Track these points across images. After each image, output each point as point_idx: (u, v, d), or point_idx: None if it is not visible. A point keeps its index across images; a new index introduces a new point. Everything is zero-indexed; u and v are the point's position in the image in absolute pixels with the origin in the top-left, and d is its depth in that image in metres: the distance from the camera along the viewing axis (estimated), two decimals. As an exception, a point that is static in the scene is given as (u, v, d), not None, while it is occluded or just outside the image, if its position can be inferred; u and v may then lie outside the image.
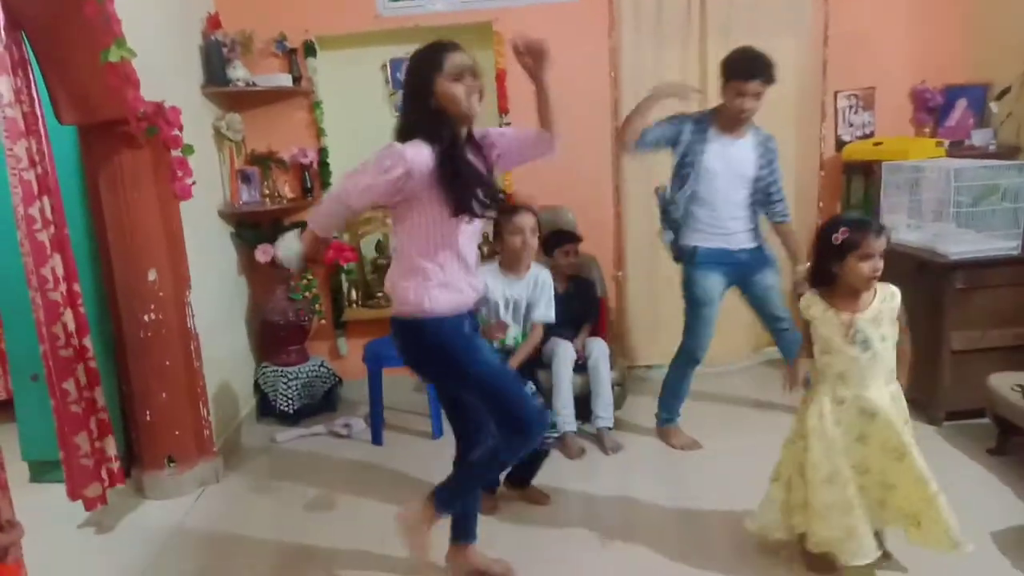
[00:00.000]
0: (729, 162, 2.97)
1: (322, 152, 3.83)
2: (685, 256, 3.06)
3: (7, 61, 2.41)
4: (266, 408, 3.82)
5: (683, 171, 3.00)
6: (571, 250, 3.47)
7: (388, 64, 3.93)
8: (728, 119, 2.94)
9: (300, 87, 3.72)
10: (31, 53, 2.50)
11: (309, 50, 3.73)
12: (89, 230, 2.96)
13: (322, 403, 3.87)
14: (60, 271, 2.56)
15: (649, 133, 2.95)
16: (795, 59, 3.89)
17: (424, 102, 1.88)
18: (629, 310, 4.11)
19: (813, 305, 2.13)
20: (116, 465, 2.82)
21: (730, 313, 3.72)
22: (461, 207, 1.88)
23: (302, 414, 3.76)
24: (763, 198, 3.07)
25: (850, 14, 3.83)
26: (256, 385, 3.87)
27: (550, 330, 2.99)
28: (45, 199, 2.52)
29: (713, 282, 3.04)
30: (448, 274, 1.96)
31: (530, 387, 2.60)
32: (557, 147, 2.00)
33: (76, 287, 2.65)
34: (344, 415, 3.76)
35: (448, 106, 1.87)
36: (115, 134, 2.69)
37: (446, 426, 2.17)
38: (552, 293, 2.86)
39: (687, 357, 3.17)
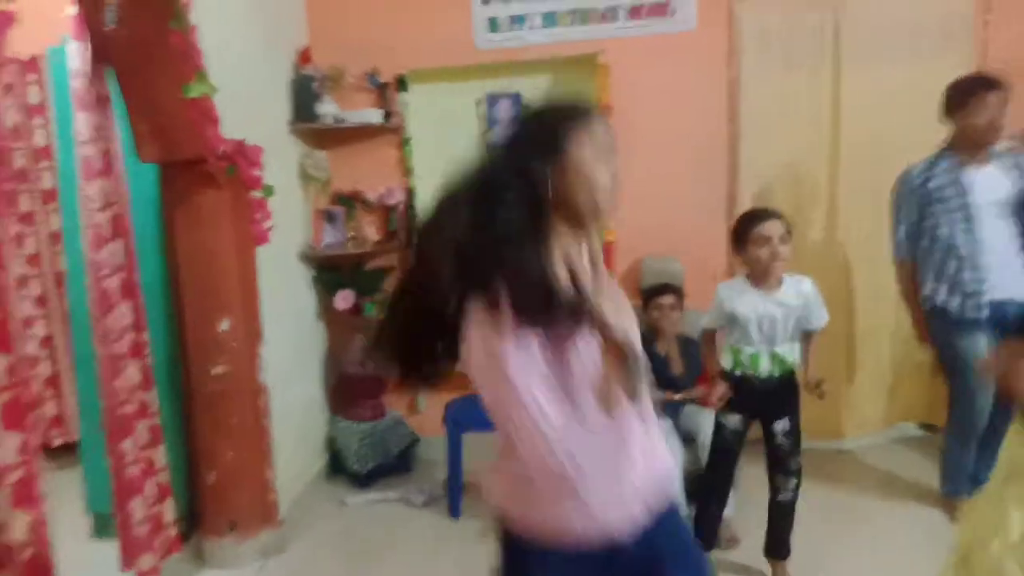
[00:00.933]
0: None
1: (410, 193, 3.58)
2: None
3: (90, 97, 2.26)
4: (338, 466, 3.54)
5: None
6: (667, 304, 3.06)
7: (484, 99, 3.66)
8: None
9: (390, 123, 3.50)
10: (115, 88, 2.34)
11: (402, 85, 3.51)
12: (164, 274, 2.77)
13: (397, 463, 3.55)
14: (127, 319, 2.37)
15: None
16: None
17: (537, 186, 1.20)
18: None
19: None
20: (173, 532, 2.58)
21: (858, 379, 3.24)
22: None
23: (375, 475, 3.45)
24: None
25: (1012, 38, 3.30)
26: (328, 440, 3.60)
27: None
28: (119, 241, 2.35)
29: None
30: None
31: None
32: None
33: (144, 336, 2.45)
34: (420, 479, 3.44)
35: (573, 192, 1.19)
36: (195, 172, 2.50)
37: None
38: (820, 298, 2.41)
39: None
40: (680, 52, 3.45)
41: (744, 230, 2.31)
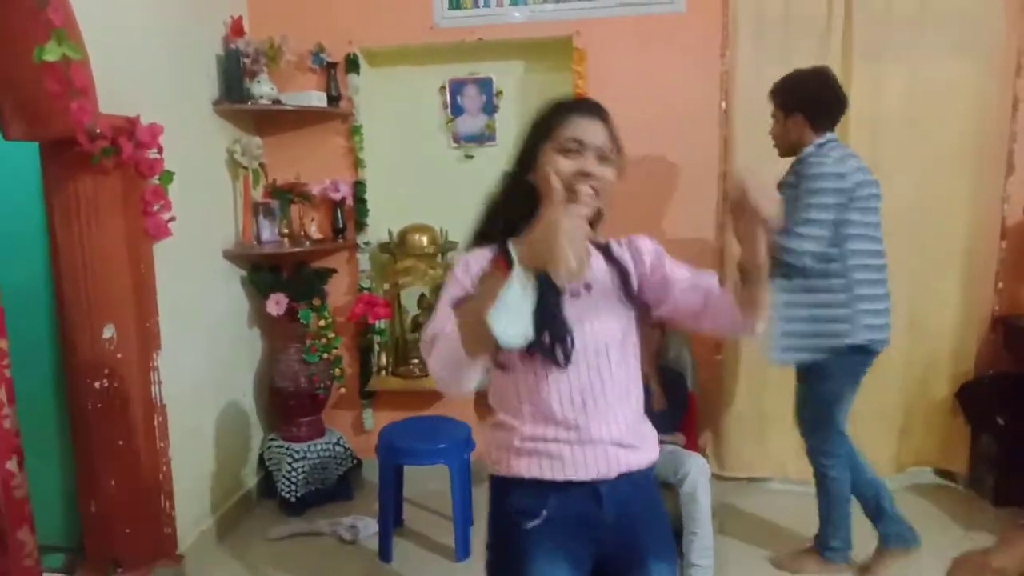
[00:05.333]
0: None
1: (358, 186, 3.19)
2: None
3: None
4: (270, 488, 3.16)
5: None
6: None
7: (447, 85, 3.27)
8: None
9: (338, 108, 3.11)
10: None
11: (352, 65, 3.12)
12: (48, 272, 2.41)
13: (335, 489, 3.17)
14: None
15: None
16: (974, 92, 2.92)
17: (519, 173, 1.31)
18: (730, 405, 3.19)
19: None
20: (36, 569, 2.21)
21: (864, 418, 2.82)
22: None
23: (308, 502, 3.07)
24: None
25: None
26: (260, 460, 3.23)
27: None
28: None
29: None
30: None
31: None
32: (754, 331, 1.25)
33: (2, 344, 2.08)
34: (361, 509, 3.05)
35: (542, 187, 1.25)
36: (74, 154, 2.12)
37: (475, 545, 1.44)
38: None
39: None
40: (667, 38, 3.02)
41: None
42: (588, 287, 1.29)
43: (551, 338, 1.19)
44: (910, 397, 3.10)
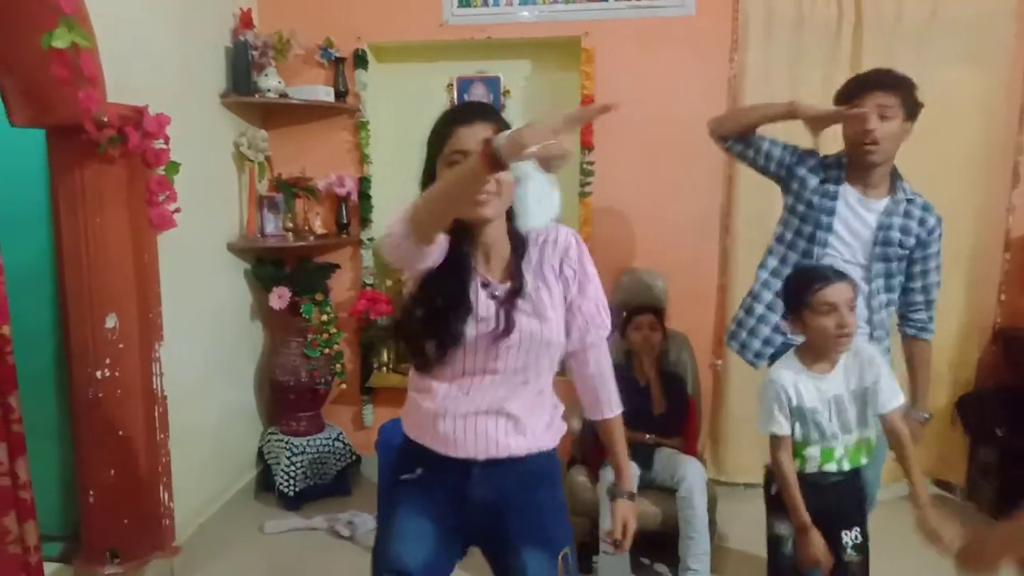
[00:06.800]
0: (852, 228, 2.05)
1: (363, 182, 3.19)
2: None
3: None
4: (268, 482, 3.16)
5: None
6: (646, 323, 2.66)
7: (455, 83, 3.27)
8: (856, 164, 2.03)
9: (345, 103, 3.11)
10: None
11: (360, 60, 3.11)
12: (52, 258, 2.40)
13: (333, 485, 3.17)
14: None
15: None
16: (981, 102, 2.92)
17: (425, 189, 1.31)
18: (729, 410, 3.19)
19: None
20: (35, 558, 2.20)
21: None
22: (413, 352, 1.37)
23: (305, 497, 3.06)
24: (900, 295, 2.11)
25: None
26: (260, 453, 3.23)
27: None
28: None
29: None
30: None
31: None
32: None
33: (4, 330, 2.08)
34: (358, 505, 3.04)
35: None
36: (80, 142, 2.12)
37: (473, 549, 1.47)
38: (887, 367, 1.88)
39: None
40: (676, 40, 3.02)
41: (801, 292, 1.79)
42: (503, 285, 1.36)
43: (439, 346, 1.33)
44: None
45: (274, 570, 2.64)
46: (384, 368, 3.30)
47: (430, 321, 1.30)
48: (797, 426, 1.81)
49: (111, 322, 2.27)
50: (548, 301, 1.35)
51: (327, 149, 3.18)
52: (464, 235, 1.31)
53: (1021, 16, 2.85)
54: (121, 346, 2.29)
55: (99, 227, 2.22)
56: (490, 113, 1.32)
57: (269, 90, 2.92)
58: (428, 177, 1.32)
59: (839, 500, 1.81)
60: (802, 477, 1.80)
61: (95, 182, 2.19)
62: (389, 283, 3.25)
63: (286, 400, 3.10)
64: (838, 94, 2.07)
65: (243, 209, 3.05)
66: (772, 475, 1.86)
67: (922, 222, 2.04)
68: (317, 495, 3.11)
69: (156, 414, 2.43)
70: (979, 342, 3.05)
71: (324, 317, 3.05)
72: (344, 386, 3.25)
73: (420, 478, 1.39)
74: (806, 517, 1.76)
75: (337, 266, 3.19)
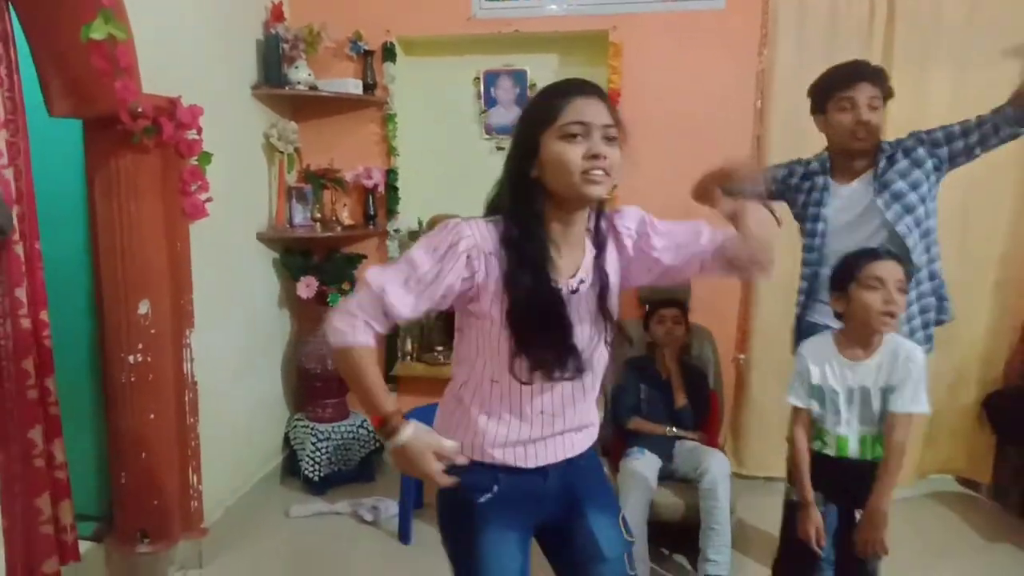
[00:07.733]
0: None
1: (390, 174, 3.22)
2: None
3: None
4: (293, 467, 3.22)
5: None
6: (669, 317, 2.66)
7: (482, 76, 3.28)
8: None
9: (373, 96, 3.14)
10: (17, 27, 2.03)
11: (388, 54, 3.14)
12: (88, 246, 2.47)
13: (357, 471, 3.22)
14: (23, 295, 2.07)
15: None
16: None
17: (520, 167, 1.25)
18: (751, 405, 3.18)
19: None
20: (71, 537, 2.28)
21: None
22: (532, 363, 1.26)
23: (330, 482, 3.12)
24: None
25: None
26: (286, 439, 3.29)
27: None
28: (16, 207, 2.04)
29: None
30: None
31: None
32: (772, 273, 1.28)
33: (43, 316, 2.15)
34: (382, 491, 3.09)
35: (551, 178, 1.22)
36: (116, 132, 2.18)
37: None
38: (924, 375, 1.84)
39: None
40: (704, 34, 3.00)
41: (851, 267, 1.79)
42: (583, 282, 1.30)
43: (573, 368, 1.27)
44: (937, 403, 3.00)
45: (299, 553, 2.70)
46: (408, 357, 3.34)
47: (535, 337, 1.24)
48: (816, 405, 1.83)
49: (144, 308, 2.32)
50: (616, 288, 1.36)
51: (355, 141, 3.22)
52: (529, 230, 1.23)
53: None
54: (153, 332, 2.35)
55: (133, 215, 2.27)
56: (605, 95, 1.25)
57: (299, 82, 2.97)
58: (527, 152, 1.22)
59: (857, 482, 1.79)
60: (823, 456, 1.82)
61: (130, 172, 2.24)
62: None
63: (312, 387, 3.16)
64: (818, 85, 2.12)
65: (272, 199, 3.10)
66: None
67: (909, 151, 2.05)
68: (341, 481, 3.17)
69: (187, 399, 2.49)
70: (1009, 340, 3.01)
71: (350, 307, 3.09)
72: (369, 375, 3.28)
73: (497, 495, 1.32)
74: (809, 493, 1.81)
75: (364, 256, 3.23)
